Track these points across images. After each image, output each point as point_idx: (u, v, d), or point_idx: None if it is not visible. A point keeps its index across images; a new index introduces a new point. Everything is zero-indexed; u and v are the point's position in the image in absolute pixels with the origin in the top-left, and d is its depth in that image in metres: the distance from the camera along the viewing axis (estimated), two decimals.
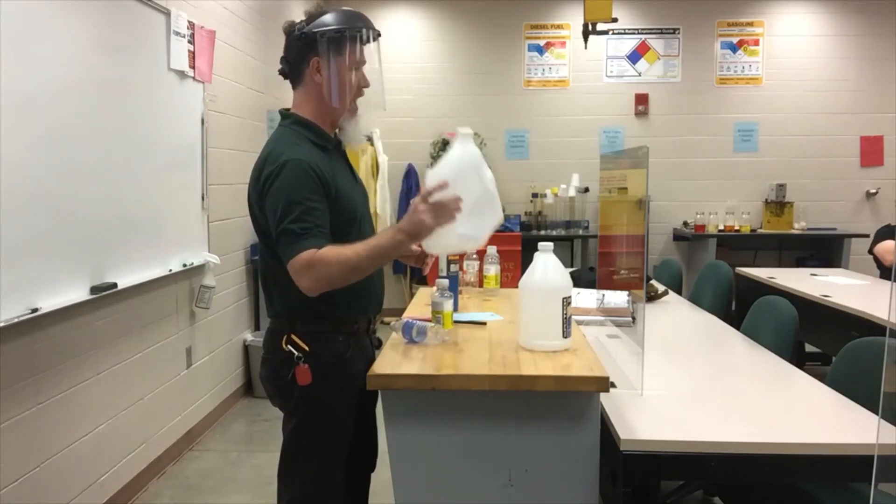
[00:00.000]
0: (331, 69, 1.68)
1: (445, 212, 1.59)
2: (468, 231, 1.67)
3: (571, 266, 5.45)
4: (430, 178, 1.64)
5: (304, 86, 1.73)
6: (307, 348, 1.67)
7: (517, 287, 1.86)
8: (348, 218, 1.70)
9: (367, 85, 1.77)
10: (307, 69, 1.70)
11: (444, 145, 5.84)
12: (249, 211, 1.71)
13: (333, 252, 1.57)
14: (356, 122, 1.78)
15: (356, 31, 1.69)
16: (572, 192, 6.00)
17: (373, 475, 1.96)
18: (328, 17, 1.68)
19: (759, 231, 6.07)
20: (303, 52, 1.69)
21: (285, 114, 1.77)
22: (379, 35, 1.77)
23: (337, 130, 1.80)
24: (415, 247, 1.82)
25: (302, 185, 1.59)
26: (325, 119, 1.75)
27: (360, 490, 1.94)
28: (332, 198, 1.64)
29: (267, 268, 1.72)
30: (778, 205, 6.07)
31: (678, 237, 6.22)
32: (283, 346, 1.68)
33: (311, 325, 1.68)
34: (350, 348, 1.73)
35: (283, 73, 1.77)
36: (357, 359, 1.74)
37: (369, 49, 1.76)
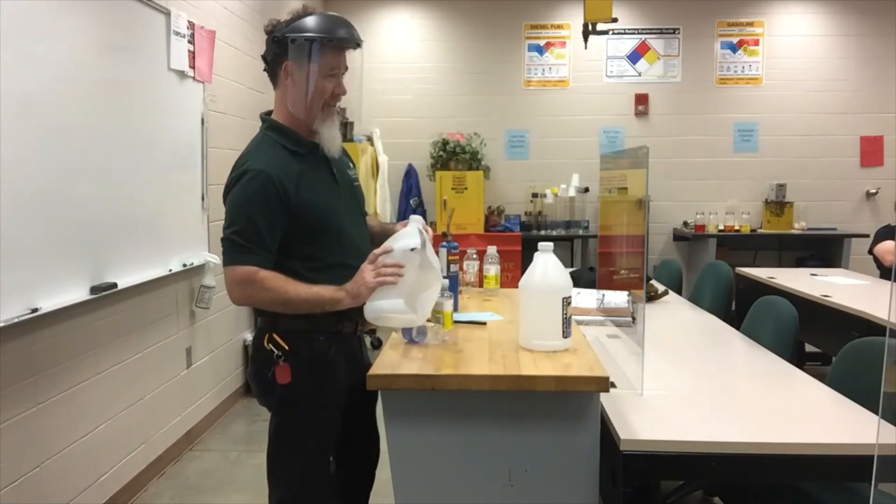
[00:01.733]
0: (298, 76, 1.67)
1: (386, 272, 1.63)
2: (410, 306, 1.69)
3: (571, 266, 5.45)
4: (382, 247, 1.71)
5: (279, 87, 1.74)
6: (287, 347, 1.68)
7: (517, 287, 1.86)
8: (318, 223, 1.70)
9: (343, 93, 1.75)
10: (280, 72, 1.70)
11: (444, 145, 5.84)
12: None
13: (273, 280, 1.62)
14: (332, 128, 1.76)
15: (329, 39, 1.66)
16: (572, 192, 5.99)
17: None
18: (306, 22, 1.66)
19: (759, 231, 6.07)
20: (277, 54, 1.69)
21: (263, 118, 1.79)
22: (359, 45, 1.73)
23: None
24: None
25: (255, 199, 1.62)
26: (302, 122, 1.74)
27: (359, 490, 1.94)
28: (292, 206, 1.65)
29: None
30: (778, 205, 6.07)
31: (678, 237, 6.22)
32: (265, 344, 1.70)
33: (292, 324, 1.69)
34: (332, 348, 1.73)
35: (265, 70, 1.77)
36: (341, 359, 1.75)
37: (348, 57, 1.74)
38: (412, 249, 1.68)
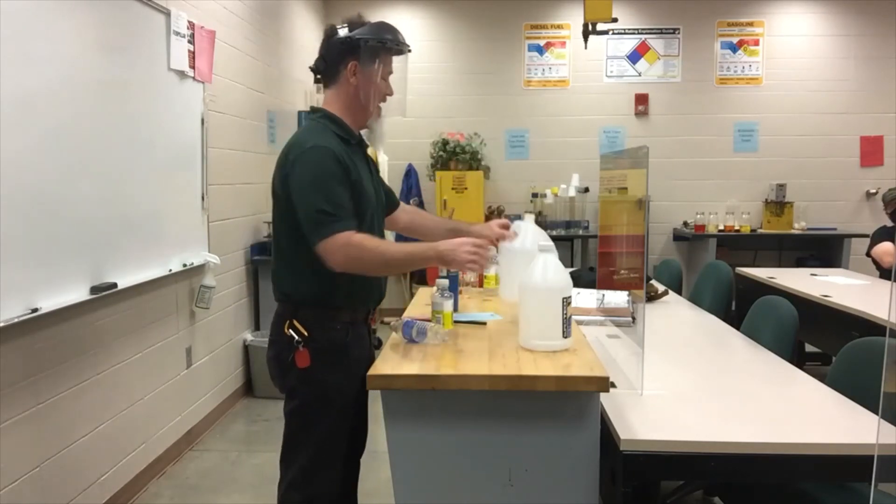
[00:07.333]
0: (366, 74, 1.81)
1: (481, 260, 1.76)
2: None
3: (571, 266, 5.45)
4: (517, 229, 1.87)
5: (339, 85, 1.85)
6: (307, 334, 1.76)
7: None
8: (363, 209, 1.80)
9: (391, 94, 1.90)
10: (344, 70, 1.82)
11: (444, 145, 5.84)
12: (272, 196, 1.80)
13: (372, 241, 1.71)
14: (381, 124, 1.94)
15: (394, 44, 1.84)
16: (572, 192, 6.00)
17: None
18: (370, 28, 1.81)
19: (759, 231, 6.07)
20: (343, 54, 1.81)
21: (315, 108, 1.91)
22: (410, 50, 1.92)
23: (364, 130, 1.93)
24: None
25: (329, 170, 1.71)
26: (352, 118, 1.87)
27: (351, 475, 1.97)
28: (350, 182, 1.75)
29: (281, 251, 1.81)
30: (778, 205, 6.07)
31: (678, 237, 6.22)
32: (286, 330, 1.77)
33: (311, 312, 1.77)
34: (348, 335, 1.80)
35: (315, 70, 1.88)
36: (355, 346, 1.82)
37: (399, 61, 1.90)
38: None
